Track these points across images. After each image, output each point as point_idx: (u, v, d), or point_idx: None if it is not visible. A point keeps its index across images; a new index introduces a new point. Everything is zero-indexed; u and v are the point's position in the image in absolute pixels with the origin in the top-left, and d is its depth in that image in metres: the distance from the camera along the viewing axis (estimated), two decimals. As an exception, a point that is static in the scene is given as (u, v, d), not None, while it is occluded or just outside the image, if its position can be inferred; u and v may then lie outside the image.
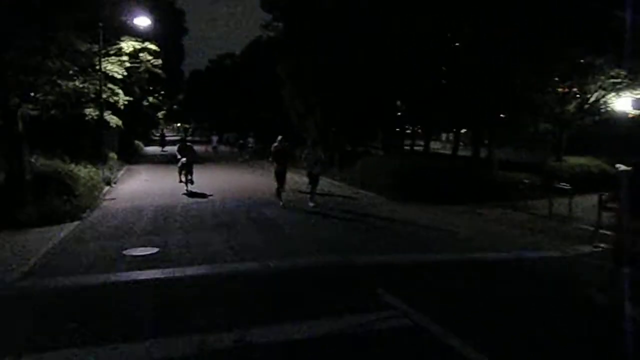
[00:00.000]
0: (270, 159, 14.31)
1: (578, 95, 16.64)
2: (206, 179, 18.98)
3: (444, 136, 32.72)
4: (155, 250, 8.21)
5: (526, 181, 14.08)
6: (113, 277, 6.81)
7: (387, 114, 22.36)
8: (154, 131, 55.96)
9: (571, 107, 16.74)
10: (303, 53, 19.72)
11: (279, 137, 14.00)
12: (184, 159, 15.85)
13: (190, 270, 7.10)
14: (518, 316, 5.56)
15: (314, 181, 13.52)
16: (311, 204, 13.12)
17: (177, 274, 6.93)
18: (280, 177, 13.53)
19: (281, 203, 13.21)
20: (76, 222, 10.92)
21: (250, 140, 30.25)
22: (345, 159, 21.19)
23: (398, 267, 7.53)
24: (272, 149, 13.94)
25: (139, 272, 7.05)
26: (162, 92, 34.16)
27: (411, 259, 7.96)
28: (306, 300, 5.93)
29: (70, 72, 13.14)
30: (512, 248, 8.92)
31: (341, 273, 7.15)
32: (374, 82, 19.16)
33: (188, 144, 16.80)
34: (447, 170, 15.15)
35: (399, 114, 23.12)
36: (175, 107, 62.47)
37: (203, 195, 15.02)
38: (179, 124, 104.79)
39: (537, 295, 6.41)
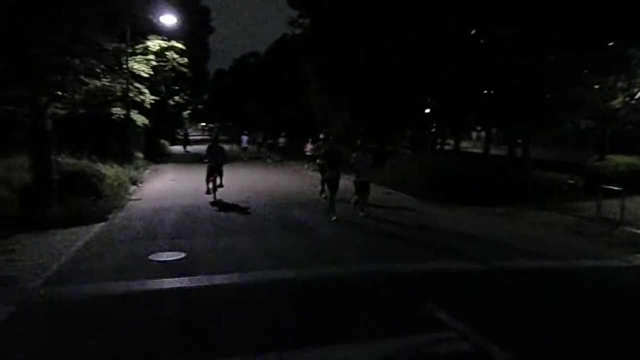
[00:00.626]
0: (318, 162, 13.02)
1: (625, 90, 15.68)
2: (236, 181, 18.66)
3: (474, 135, 31.76)
4: (182, 255, 7.82)
5: (571, 181, 13.29)
6: (138, 285, 6.42)
7: (416, 112, 21.65)
8: (179, 130, 56.32)
9: (616, 102, 15.78)
10: (330, 48, 19.20)
11: (322, 136, 13.41)
12: (214, 162, 13.94)
13: (218, 279, 6.66)
14: (601, 341, 4.88)
15: (364, 190, 11.67)
16: (361, 214, 11.59)
17: (204, 283, 6.50)
18: (333, 185, 11.36)
19: (334, 217, 10.90)
20: (102, 223, 10.67)
21: (282, 140, 28.35)
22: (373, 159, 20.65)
23: (444, 277, 6.92)
24: (322, 150, 12.24)
25: (164, 279, 6.65)
26: (188, 92, 34.14)
27: (457, 268, 7.33)
28: (347, 317, 5.40)
29: (97, 70, 12.90)
30: (567, 255, 8.21)
31: (382, 283, 6.62)
32: (402, 79, 18.55)
33: (219, 144, 14.68)
34: (481, 170, 14.46)
35: (428, 111, 22.36)
36: (199, 106, 62.87)
37: (232, 198, 14.65)
38: (203, 124, 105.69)
39: (617, 314, 5.68)
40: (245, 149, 29.83)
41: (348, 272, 7.05)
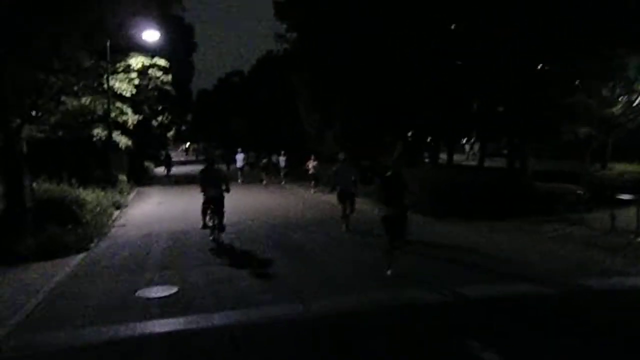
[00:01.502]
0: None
1: (624, 97, 15.30)
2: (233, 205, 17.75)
3: (467, 147, 31.33)
4: (173, 289, 6.91)
5: (580, 192, 12.70)
6: (124, 330, 5.50)
7: (411, 123, 21.08)
8: (161, 152, 55.09)
9: (616, 109, 15.37)
10: (321, 60, 18.57)
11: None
12: (211, 192, 10.18)
13: (217, 318, 5.76)
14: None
15: (349, 201, 11.41)
16: (344, 228, 11.37)
17: (201, 324, 5.61)
18: (397, 229, 7.64)
19: (389, 272, 7.46)
20: (83, 254, 9.71)
21: (282, 158, 24.29)
22: (365, 175, 19.92)
23: (476, 305, 6.09)
24: (381, 177, 8.28)
25: (155, 321, 5.75)
26: (172, 112, 33.24)
27: (486, 294, 6.41)
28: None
29: (76, 88, 12.01)
30: (605, 273, 7.41)
31: (406, 315, 5.79)
32: (398, 86, 17.95)
33: (216, 167, 11.29)
34: (483, 183, 13.82)
35: (422, 122, 21.79)
36: (183, 127, 61.77)
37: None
38: (187, 144, 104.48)
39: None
40: (241, 168, 25.64)
41: (364, 303, 6.23)
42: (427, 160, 23.53)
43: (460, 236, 10.58)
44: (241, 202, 16.83)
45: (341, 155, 12.03)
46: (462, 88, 17.39)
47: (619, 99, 15.48)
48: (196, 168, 45.18)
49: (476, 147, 27.75)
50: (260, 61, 38.78)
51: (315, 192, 19.72)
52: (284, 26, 22.19)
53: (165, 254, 9.47)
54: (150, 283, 7.32)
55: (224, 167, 36.07)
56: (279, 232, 11.51)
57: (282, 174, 24.43)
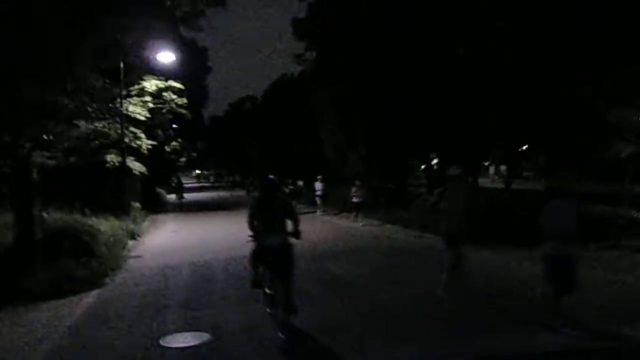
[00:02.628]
0: None
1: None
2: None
3: (491, 170, 30.21)
4: (205, 337, 5.83)
5: (636, 214, 11.59)
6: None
7: (435, 145, 20.15)
8: (172, 178, 54.38)
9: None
10: (344, 79, 17.79)
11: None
12: (269, 239, 6.06)
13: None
14: None
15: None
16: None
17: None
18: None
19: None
20: (98, 290, 8.75)
21: (319, 185, 20.60)
22: (391, 199, 18.92)
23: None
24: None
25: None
26: (184, 137, 32.66)
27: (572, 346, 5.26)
28: None
29: (89, 109, 11.24)
30: None
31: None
32: (422, 109, 17.10)
33: (276, 194, 6.50)
34: (533, 207, 12.69)
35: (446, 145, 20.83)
36: (194, 154, 61.18)
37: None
38: (198, 171, 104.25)
39: None
40: None
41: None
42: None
43: (519, 269, 9.43)
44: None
45: (453, 170, 7.54)
46: (493, 103, 16.47)
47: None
48: (209, 194, 44.88)
49: (502, 168, 26.63)
50: (274, 84, 38.31)
51: (357, 220, 17.56)
52: (302, 45, 21.66)
53: (189, 290, 8.45)
54: (176, 328, 6.29)
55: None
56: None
57: (318, 202, 20.83)
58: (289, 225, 6.09)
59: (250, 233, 6.14)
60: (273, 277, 5.89)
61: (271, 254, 5.86)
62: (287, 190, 19.80)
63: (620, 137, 14.30)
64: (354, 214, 18.10)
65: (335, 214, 20.54)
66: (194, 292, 8.31)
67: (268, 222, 5.98)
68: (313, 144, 23.64)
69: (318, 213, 20.53)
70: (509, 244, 11.06)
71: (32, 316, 7.24)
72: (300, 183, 22.71)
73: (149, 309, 7.35)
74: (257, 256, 6.16)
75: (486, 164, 30.11)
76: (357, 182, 18.07)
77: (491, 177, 29.87)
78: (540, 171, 31.03)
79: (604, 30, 13.28)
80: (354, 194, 17.86)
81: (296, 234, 5.98)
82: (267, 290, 6.17)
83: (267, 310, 6.22)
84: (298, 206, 19.55)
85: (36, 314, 7.36)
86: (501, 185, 24.54)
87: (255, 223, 6.08)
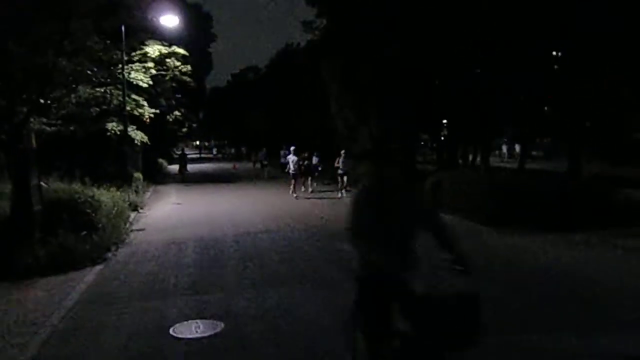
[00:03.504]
0: None
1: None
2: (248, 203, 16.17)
3: (504, 148, 29.28)
4: (218, 326, 5.25)
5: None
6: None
7: (447, 120, 19.42)
8: (174, 149, 53.52)
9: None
10: (357, 48, 16.88)
11: None
12: (393, 265, 3.07)
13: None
14: None
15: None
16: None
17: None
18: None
19: None
20: (98, 267, 8.22)
21: (343, 161, 17.40)
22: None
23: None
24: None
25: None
26: (187, 106, 31.75)
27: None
28: None
29: (89, 72, 10.49)
30: None
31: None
32: (435, 81, 16.32)
33: (403, 190, 3.37)
34: (561, 190, 12.03)
35: (458, 119, 20.02)
36: (194, 125, 60.29)
37: (259, 222, 12.15)
38: (198, 142, 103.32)
39: None
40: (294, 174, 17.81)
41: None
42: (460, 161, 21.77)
43: (544, 253, 8.85)
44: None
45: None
46: (510, 78, 15.66)
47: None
48: (212, 166, 44.13)
49: (516, 148, 25.84)
50: (279, 54, 37.18)
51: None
52: (311, 13, 20.58)
53: (197, 270, 7.89)
54: (186, 314, 5.74)
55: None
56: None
57: (342, 182, 17.39)
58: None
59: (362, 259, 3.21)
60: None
61: (399, 293, 3.12)
62: (302, 166, 18.11)
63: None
64: (339, 185, 17.41)
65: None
66: (201, 272, 7.76)
67: (395, 236, 3.17)
68: (321, 117, 22.84)
69: (341, 195, 16.91)
70: (532, 228, 10.49)
71: (29, 296, 6.71)
72: (316, 158, 19.55)
73: (155, 290, 6.81)
74: (372, 296, 3.18)
75: (504, 141, 29.16)
76: (342, 152, 17.51)
77: (502, 156, 28.98)
78: (549, 151, 30.32)
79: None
80: (340, 164, 17.22)
81: (460, 262, 3.19)
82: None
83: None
84: (314, 184, 18.81)
85: (33, 293, 6.83)
86: (511, 165, 23.89)
87: (366, 235, 3.14)
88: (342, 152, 17.51)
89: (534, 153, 33.69)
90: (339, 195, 17.07)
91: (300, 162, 18.18)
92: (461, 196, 12.64)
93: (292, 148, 18.53)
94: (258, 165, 31.68)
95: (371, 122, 17.53)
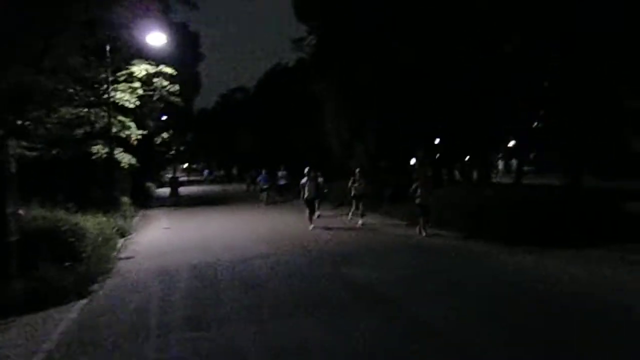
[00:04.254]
0: None
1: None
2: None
3: (499, 164, 28.87)
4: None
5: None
6: None
7: (442, 134, 18.96)
8: (163, 173, 52.51)
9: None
10: (353, 64, 16.43)
11: None
12: None
13: None
14: None
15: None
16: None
17: None
18: None
19: None
20: (83, 302, 7.46)
21: (358, 182, 15.43)
22: (395, 194, 17.66)
23: None
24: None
25: None
26: (175, 128, 31.07)
27: None
28: None
29: (71, 91, 9.84)
30: None
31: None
32: (431, 95, 15.88)
33: None
34: (558, 203, 11.60)
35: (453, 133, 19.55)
36: (181, 147, 59.46)
37: (252, 247, 11.48)
38: (186, 165, 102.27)
39: None
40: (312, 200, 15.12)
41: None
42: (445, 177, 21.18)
43: (563, 272, 8.27)
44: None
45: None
46: (507, 87, 15.29)
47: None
48: (203, 189, 43.15)
49: (512, 163, 25.44)
50: (268, 73, 36.82)
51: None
52: (298, 31, 20.20)
53: (192, 301, 7.17)
54: (180, 357, 5.02)
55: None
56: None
57: (355, 207, 15.56)
58: None
59: None
60: None
61: None
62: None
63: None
64: (352, 209, 15.58)
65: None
66: (198, 303, 7.04)
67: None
68: (314, 135, 22.31)
69: (361, 223, 14.73)
70: (542, 245, 9.93)
71: (4, 338, 5.94)
72: (321, 178, 17.31)
73: (145, 327, 6.05)
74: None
75: (499, 156, 28.77)
76: (357, 171, 15.61)
77: (497, 171, 28.45)
78: (541, 166, 30.03)
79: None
80: (355, 185, 15.13)
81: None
82: None
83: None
84: (320, 209, 16.35)
85: (8, 335, 6.06)
86: (505, 181, 23.46)
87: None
88: (357, 170, 15.60)
89: (525, 168, 33.50)
90: (358, 223, 14.73)
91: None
92: (447, 213, 12.15)
93: (306, 169, 15.18)
94: (253, 188, 29.19)
95: (366, 139, 17.02)
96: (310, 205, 14.73)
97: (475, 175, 20.40)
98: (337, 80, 17.58)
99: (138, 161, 18.44)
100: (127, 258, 10.98)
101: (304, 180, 14.86)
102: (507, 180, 24.77)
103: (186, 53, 26.33)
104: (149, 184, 32.91)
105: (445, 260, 9.70)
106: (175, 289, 7.95)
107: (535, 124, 17.17)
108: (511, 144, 20.77)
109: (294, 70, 25.97)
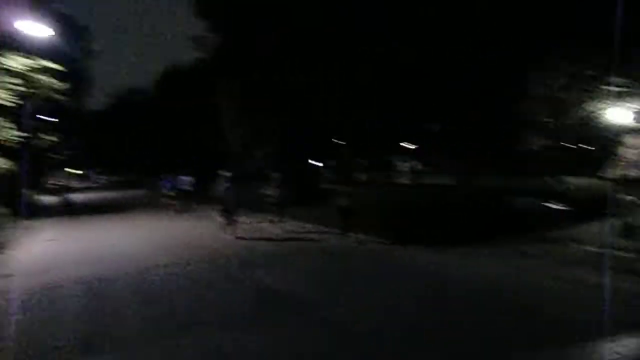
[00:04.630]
0: None
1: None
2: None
3: (404, 165, 29.98)
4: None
5: (562, 207, 11.66)
6: None
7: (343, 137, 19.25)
8: (48, 179, 47.90)
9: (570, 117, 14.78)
10: (256, 65, 15.98)
11: None
12: None
13: None
14: None
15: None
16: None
17: None
18: None
19: None
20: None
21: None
22: (303, 196, 17.62)
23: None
24: None
25: None
26: (61, 130, 28.41)
27: None
28: None
29: None
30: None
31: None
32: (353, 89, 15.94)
33: None
34: (454, 202, 12.37)
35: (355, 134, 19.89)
36: (69, 152, 54.79)
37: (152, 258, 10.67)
38: (71, 171, 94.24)
39: None
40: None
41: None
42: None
43: (474, 270, 8.69)
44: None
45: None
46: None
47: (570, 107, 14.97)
48: (97, 196, 39.88)
49: (410, 164, 26.70)
50: (165, 75, 35.18)
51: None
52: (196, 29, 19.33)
53: (85, 321, 6.40)
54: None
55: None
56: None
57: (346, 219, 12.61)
58: None
59: None
60: None
61: None
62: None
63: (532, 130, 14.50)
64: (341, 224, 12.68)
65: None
66: (92, 322, 6.30)
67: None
68: (213, 137, 21.61)
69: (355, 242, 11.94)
70: (448, 244, 10.43)
71: None
72: (227, 183, 14.38)
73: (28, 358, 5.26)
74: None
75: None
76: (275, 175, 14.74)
77: (403, 173, 29.57)
78: (436, 167, 31.90)
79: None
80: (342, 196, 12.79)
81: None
82: None
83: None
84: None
85: None
86: (403, 181, 24.53)
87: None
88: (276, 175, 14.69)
89: (420, 168, 35.48)
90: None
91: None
92: (370, 217, 12.41)
93: (226, 174, 14.08)
94: (153, 193, 26.93)
95: (268, 144, 16.77)
96: (230, 213, 13.39)
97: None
98: (240, 83, 16.98)
99: (16, 166, 16.51)
100: (5, 276, 9.64)
101: (223, 185, 13.78)
102: (406, 181, 25.90)
103: (74, 49, 24.22)
104: (31, 192, 29.80)
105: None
106: (65, 308, 7.09)
107: (430, 129, 18.05)
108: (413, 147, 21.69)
109: (196, 71, 24.88)
